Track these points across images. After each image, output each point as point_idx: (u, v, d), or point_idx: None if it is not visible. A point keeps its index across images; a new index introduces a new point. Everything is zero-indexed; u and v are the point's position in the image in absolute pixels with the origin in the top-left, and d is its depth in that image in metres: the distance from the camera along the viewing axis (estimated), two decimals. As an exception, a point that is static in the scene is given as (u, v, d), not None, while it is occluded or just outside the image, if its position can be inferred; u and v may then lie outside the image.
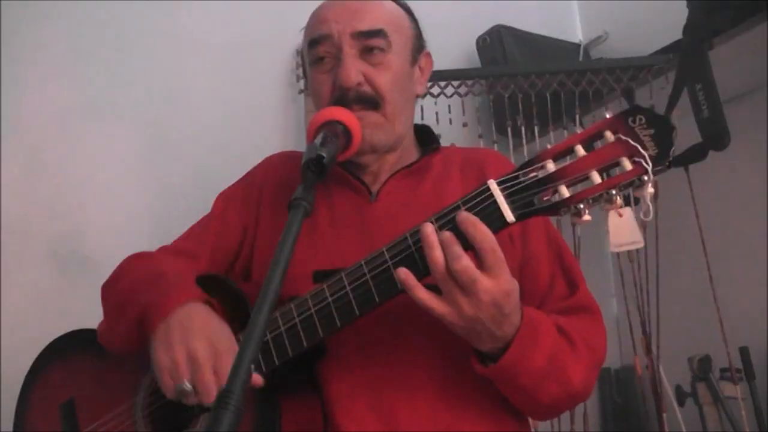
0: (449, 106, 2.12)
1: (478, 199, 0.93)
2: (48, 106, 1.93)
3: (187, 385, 0.95)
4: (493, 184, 0.93)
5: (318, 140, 0.98)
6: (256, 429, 1.02)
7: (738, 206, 2.16)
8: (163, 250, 1.27)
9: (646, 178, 0.86)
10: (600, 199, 0.89)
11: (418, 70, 1.25)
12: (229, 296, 1.09)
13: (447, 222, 0.94)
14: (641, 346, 2.02)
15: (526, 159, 0.96)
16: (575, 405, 1.28)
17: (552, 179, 0.90)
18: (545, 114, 2.13)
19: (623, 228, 0.89)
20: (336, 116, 1.04)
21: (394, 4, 1.23)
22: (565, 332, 1.06)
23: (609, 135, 0.89)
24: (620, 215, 0.88)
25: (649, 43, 2.19)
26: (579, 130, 0.92)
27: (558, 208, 0.91)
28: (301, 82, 2.15)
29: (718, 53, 1.90)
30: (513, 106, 2.15)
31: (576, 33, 2.66)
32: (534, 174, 0.92)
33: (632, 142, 0.87)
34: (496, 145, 2.25)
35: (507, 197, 0.92)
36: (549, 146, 0.92)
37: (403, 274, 0.93)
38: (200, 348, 0.96)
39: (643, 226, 2.00)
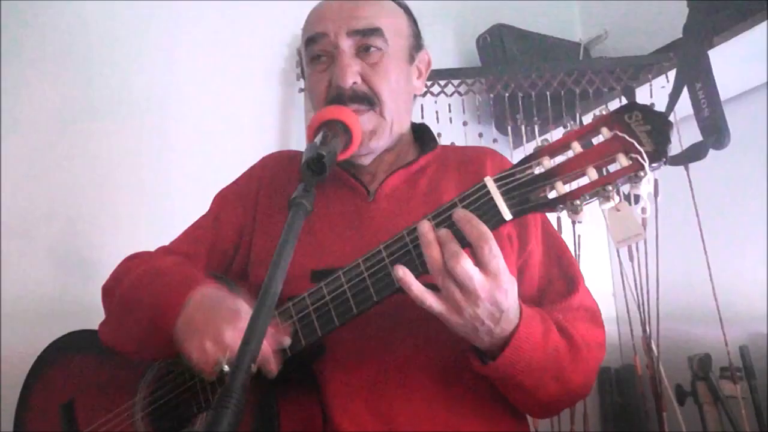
0: (449, 104, 2.12)
1: (475, 197, 0.93)
2: (48, 106, 1.93)
3: (225, 366, 0.95)
4: (489, 181, 0.93)
5: (318, 139, 0.98)
6: (254, 428, 1.02)
7: (738, 205, 2.16)
8: (161, 250, 1.27)
9: (642, 174, 0.86)
10: (597, 195, 0.89)
11: (415, 69, 1.25)
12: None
13: (444, 219, 0.93)
14: (641, 346, 2.02)
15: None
16: (574, 403, 1.28)
17: (548, 176, 0.90)
18: (545, 113, 2.14)
19: (623, 222, 0.89)
20: (336, 115, 1.04)
21: (391, 3, 1.22)
22: (563, 330, 1.05)
23: (606, 131, 0.89)
24: (618, 210, 0.88)
25: (650, 42, 2.19)
26: (578, 129, 0.92)
27: (554, 204, 0.90)
28: (301, 82, 2.15)
29: (719, 52, 1.90)
30: (513, 105, 2.15)
31: (576, 32, 2.65)
32: (530, 171, 0.91)
33: (628, 138, 0.86)
34: (496, 143, 2.25)
35: (504, 194, 0.92)
36: (546, 143, 0.92)
37: (401, 271, 0.92)
38: (223, 327, 0.96)
39: (643, 224, 2.01)
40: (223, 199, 1.30)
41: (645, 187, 0.87)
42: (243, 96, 2.13)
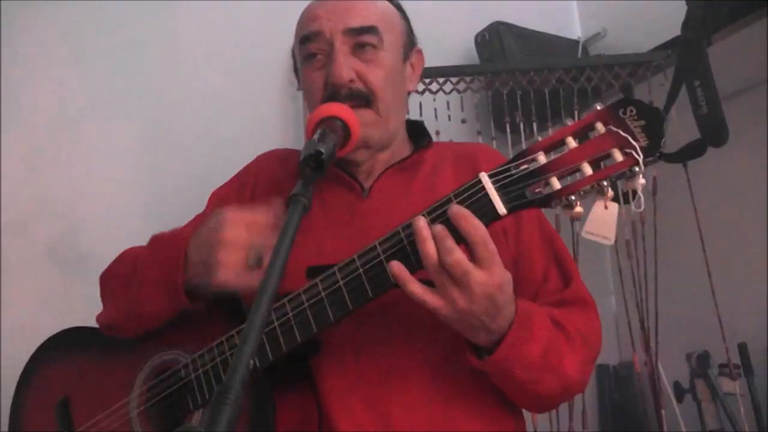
0: (448, 102, 2.13)
1: (470, 192, 0.93)
2: (48, 106, 1.93)
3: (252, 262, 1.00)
4: (484, 177, 0.93)
5: (316, 136, 0.98)
6: (251, 426, 1.02)
7: (737, 202, 2.16)
8: None
9: (637, 169, 0.86)
10: (591, 190, 0.89)
11: (409, 66, 1.25)
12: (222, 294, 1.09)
13: (439, 215, 0.93)
14: (640, 343, 2.02)
15: (519, 152, 0.95)
16: (571, 397, 1.28)
17: (543, 171, 0.90)
18: (544, 110, 2.13)
19: (602, 220, 0.89)
20: (334, 112, 1.04)
21: (385, 2, 1.23)
22: (559, 324, 1.06)
23: (600, 126, 0.89)
24: (606, 207, 0.88)
25: (648, 39, 2.19)
26: (575, 127, 0.92)
27: (549, 200, 0.91)
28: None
29: (717, 50, 1.90)
30: (512, 102, 2.15)
31: (575, 29, 2.65)
32: (525, 166, 0.92)
33: (623, 134, 0.87)
34: (494, 141, 2.25)
35: (498, 190, 0.92)
36: (540, 138, 0.92)
37: (396, 267, 0.93)
38: (229, 233, 1.00)
39: (641, 220, 2.01)
40: (217, 198, 1.30)
41: (638, 182, 0.87)
42: (242, 95, 2.14)
